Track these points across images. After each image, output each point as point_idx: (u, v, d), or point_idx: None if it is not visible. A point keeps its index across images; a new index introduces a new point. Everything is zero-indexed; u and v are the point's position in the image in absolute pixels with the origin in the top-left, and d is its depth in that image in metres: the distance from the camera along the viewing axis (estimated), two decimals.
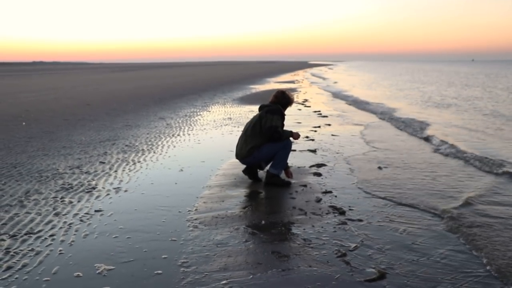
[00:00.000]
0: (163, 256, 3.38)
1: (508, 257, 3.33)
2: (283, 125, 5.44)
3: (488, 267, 3.20)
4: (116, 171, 6.04)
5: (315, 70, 68.72)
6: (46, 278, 3.06)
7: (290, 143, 5.42)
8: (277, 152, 5.29)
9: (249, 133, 5.36)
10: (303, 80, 36.38)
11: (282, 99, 5.54)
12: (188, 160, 6.72)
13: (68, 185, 5.34)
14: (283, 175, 5.48)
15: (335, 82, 32.88)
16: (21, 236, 3.77)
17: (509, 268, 3.17)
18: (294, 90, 23.05)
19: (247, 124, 5.54)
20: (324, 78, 39.75)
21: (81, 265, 3.25)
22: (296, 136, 5.47)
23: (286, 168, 5.49)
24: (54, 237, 3.76)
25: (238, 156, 5.45)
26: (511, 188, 5.21)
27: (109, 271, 3.15)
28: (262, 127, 5.26)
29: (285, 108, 5.56)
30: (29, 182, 5.48)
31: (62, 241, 3.68)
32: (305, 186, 5.30)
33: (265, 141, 5.27)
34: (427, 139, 8.54)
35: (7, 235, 3.80)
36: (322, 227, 3.97)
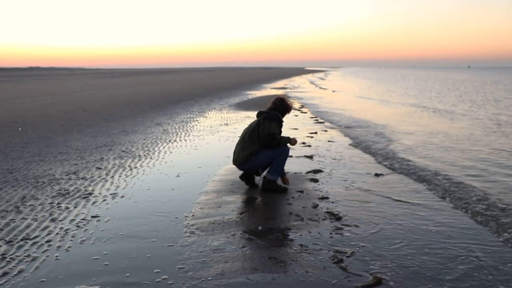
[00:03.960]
0: (159, 262, 3.37)
1: None
2: (280, 131, 5.46)
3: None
4: (112, 176, 6.03)
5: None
6: (42, 284, 3.05)
7: (288, 149, 5.44)
8: (275, 158, 5.31)
9: (246, 139, 5.37)
10: (299, 85, 36.47)
11: (281, 106, 5.56)
12: (185, 166, 6.72)
13: (65, 190, 5.33)
14: (279, 181, 5.50)
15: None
16: (17, 242, 3.76)
17: None
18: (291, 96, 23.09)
19: (244, 130, 5.56)
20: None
21: (78, 272, 3.25)
22: (294, 142, 5.49)
23: (283, 174, 5.50)
24: (51, 243, 3.75)
25: (236, 162, 5.46)
26: None
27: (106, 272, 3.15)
28: (260, 133, 5.27)
29: (283, 115, 5.58)
30: (25, 187, 5.47)
31: (59, 247, 3.67)
32: (301, 192, 5.31)
33: (263, 147, 5.29)
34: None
35: (3, 240, 3.79)
36: (318, 233, 3.98)
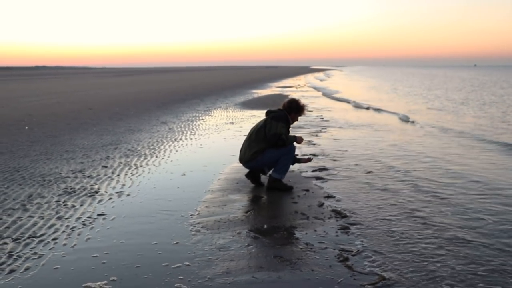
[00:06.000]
0: (165, 260, 3.38)
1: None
2: (288, 131, 5.45)
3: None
4: (118, 175, 6.05)
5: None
6: (49, 281, 3.07)
7: (294, 148, 5.43)
8: (281, 157, 5.30)
9: (253, 137, 5.37)
10: (305, 84, 36.42)
11: (295, 108, 5.51)
12: (190, 165, 6.73)
13: (71, 189, 5.36)
14: (286, 179, 5.48)
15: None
16: (24, 240, 3.78)
17: None
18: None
19: (252, 128, 5.55)
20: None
21: (84, 269, 3.26)
22: (300, 140, 5.48)
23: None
24: (57, 240, 3.77)
25: (242, 160, 5.46)
26: None
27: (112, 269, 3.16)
28: (267, 133, 5.27)
29: (295, 115, 5.53)
30: (31, 186, 5.50)
31: (65, 244, 3.69)
32: (307, 190, 5.31)
33: (269, 146, 5.28)
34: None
35: (10, 238, 3.81)
36: (324, 231, 3.98)
